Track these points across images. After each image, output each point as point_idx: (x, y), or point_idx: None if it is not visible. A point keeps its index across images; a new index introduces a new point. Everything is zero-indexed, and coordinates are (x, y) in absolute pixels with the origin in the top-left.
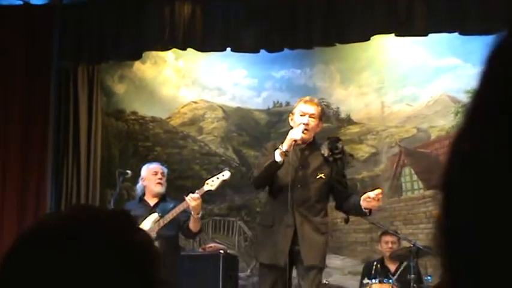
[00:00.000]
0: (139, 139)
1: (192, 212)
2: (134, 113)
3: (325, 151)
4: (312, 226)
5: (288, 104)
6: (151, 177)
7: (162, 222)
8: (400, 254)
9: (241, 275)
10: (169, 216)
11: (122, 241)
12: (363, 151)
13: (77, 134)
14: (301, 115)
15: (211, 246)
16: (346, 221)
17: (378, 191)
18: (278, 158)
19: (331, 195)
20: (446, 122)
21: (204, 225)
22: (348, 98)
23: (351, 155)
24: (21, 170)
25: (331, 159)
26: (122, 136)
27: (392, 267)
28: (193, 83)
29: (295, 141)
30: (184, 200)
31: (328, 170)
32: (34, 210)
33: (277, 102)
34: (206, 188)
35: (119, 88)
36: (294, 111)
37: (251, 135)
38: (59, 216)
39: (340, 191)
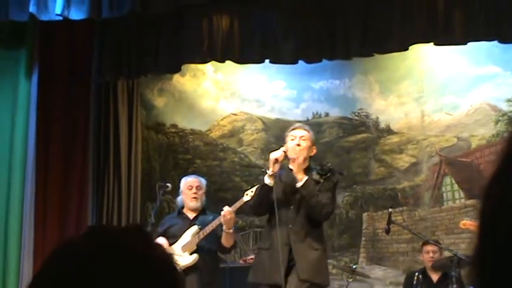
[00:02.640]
0: (180, 152)
1: (224, 227)
2: (174, 125)
3: (316, 177)
4: (306, 243)
5: (327, 114)
6: (186, 192)
7: (201, 235)
8: (442, 264)
9: None
10: (208, 228)
11: (137, 258)
12: (403, 161)
13: (117, 148)
14: (291, 139)
15: (252, 258)
16: (387, 231)
17: None
18: (267, 180)
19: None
20: (487, 131)
21: (245, 236)
22: (388, 107)
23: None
24: (63, 183)
25: (321, 180)
26: (162, 149)
27: (434, 277)
28: (233, 95)
29: (277, 159)
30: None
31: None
32: (75, 222)
33: (316, 113)
34: (245, 198)
35: (159, 101)
36: (286, 139)
37: None
38: (76, 242)
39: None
